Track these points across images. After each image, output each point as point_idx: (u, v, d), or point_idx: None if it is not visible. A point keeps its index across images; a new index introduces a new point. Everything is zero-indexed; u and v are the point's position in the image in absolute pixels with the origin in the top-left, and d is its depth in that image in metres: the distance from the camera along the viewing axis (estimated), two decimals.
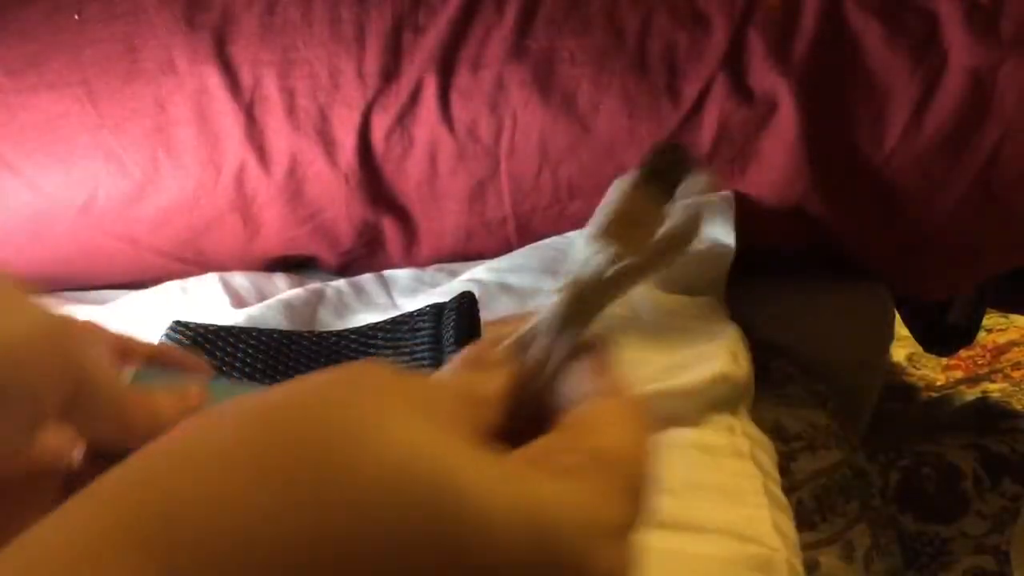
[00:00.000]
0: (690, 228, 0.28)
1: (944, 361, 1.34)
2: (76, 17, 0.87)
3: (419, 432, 0.21)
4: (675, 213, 0.29)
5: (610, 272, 0.28)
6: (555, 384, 0.28)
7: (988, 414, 1.11)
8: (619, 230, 0.28)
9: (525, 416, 0.27)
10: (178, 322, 0.76)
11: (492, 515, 0.20)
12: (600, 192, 0.97)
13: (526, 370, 0.28)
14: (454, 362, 0.28)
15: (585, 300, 0.28)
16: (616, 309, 0.82)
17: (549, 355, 0.28)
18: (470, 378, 0.27)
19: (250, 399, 0.21)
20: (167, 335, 0.74)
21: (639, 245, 0.28)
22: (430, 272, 0.87)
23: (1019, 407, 1.14)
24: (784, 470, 0.70)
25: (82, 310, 0.89)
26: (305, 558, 0.18)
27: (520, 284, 0.80)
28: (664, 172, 0.29)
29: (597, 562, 0.22)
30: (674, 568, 0.51)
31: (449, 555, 0.20)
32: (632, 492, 0.24)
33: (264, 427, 0.20)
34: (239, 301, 0.87)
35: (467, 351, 0.28)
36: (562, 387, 0.28)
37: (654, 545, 0.52)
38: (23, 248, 0.92)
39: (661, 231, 0.28)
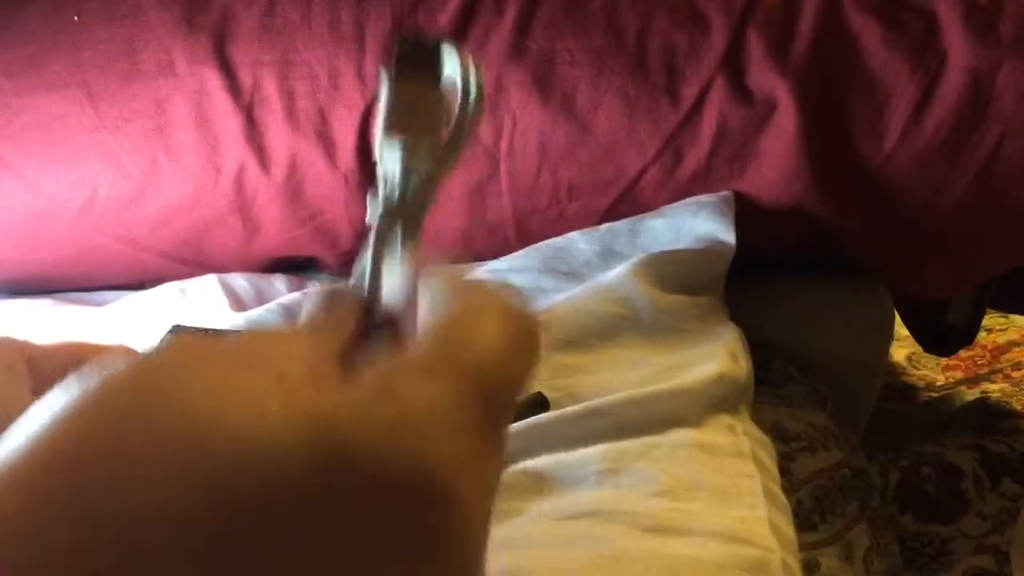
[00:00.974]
0: (477, 100, 0.27)
1: (944, 361, 1.34)
2: (76, 18, 0.87)
3: (223, 385, 0.20)
4: (455, 89, 0.27)
5: (416, 165, 0.27)
6: (399, 299, 0.26)
7: (988, 414, 1.11)
8: (403, 123, 0.27)
9: (382, 336, 0.26)
10: (177, 326, 0.76)
11: (282, 437, 0.19)
12: (599, 193, 0.97)
13: (361, 288, 0.26)
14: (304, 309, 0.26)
15: (402, 202, 0.27)
16: (616, 309, 0.81)
17: (380, 269, 0.26)
18: (315, 313, 0.25)
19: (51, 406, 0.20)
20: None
21: (430, 131, 0.27)
22: None
23: (1019, 407, 1.14)
24: (783, 470, 0.70)
25: (81, 311, 0.89)
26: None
27: (520, 284, 0.80)
28: (415, 58, 0.27)
29: (404, 459, 0.19)
30: (666, 572, 0.51)
31: (255, 492, 0.18)
32: (486, 391, 0.22)
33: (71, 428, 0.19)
34: (238, 303, 0.87)
35: (314, 294, 0.27)
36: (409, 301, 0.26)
37: (646, 549, 0.53)
38: (23, 249, 0.92)
39: (454, 112, 0.27)
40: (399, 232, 0.27)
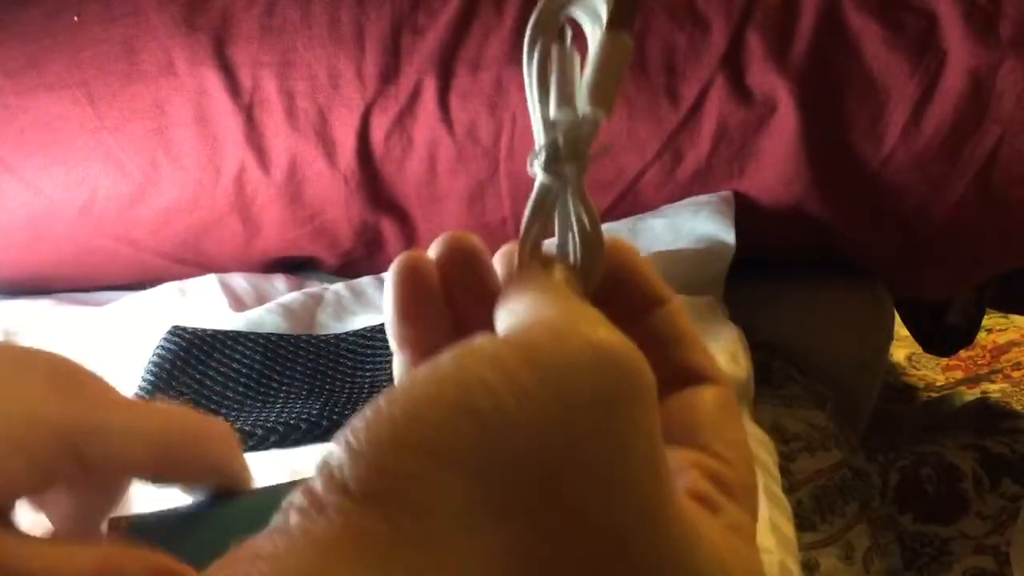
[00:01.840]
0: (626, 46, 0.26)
1: (944, 361, 1.34)
2: (76, 19, 0.87)
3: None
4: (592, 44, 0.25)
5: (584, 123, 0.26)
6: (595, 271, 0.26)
7: (988, 414, 1.10)
8: (568, 90, 0.26)
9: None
10: (176, 327, 0.76)
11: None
12: (599, 193, 0.97)
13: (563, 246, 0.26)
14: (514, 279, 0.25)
15: (578, 161, 0.26)
16: None
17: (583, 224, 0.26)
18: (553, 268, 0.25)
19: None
20: (166, 339, 0.75)
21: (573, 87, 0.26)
22: None
23: (1019, 407, 1.14)
24: (783, 470, 0.70)
25: (81, 311, 0.89)
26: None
27: None
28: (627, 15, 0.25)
29: None
30: None
31: None
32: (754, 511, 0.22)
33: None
34: (238, 303, 0.87)
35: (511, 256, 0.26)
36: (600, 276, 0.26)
37: None
38: (23, 249, 0.92)
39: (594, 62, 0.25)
40: (578, 189, 0.27)
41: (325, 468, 0.19)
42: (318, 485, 0.18)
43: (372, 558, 0.17)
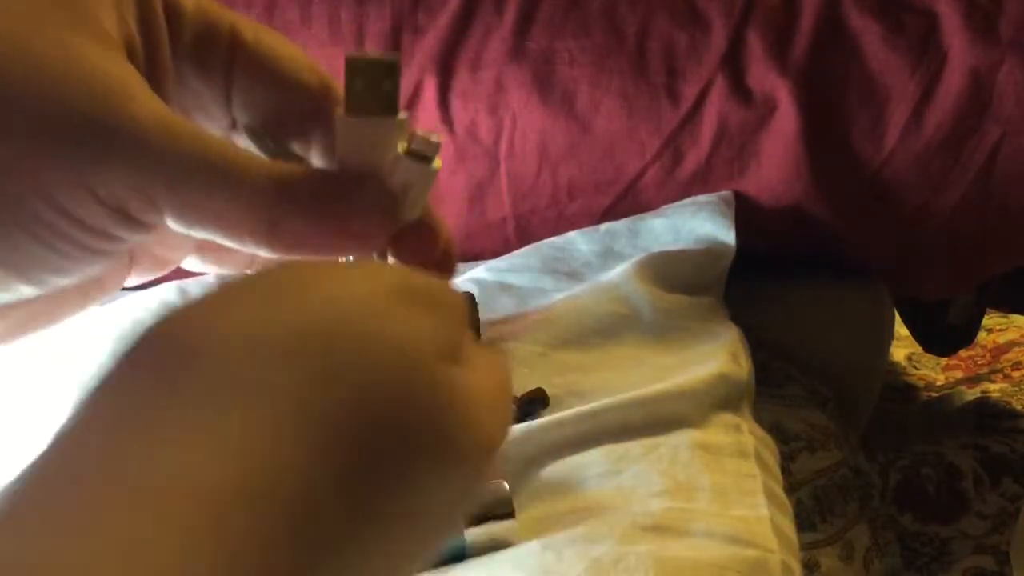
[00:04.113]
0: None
1: (944, 361, 1.34)
2: None
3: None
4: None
5: None
6: None
7: (988, 414, 1.10)
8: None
9: None
10: None
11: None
12: (600, 193, 0.96)
13: None
14: None
15: None
16: (616, 308, 0.81)
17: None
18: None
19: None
20: None
21: None
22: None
23: (1019, 407, 1.14)
24: (783, 470, 0.70)
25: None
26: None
27: (520, 284, 0.80)
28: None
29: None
30: (663, 573, 0.51)
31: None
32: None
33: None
34: None
35: None
36: None
37: (645, 550, 0.52)
38: None
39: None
40: None
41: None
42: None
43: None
